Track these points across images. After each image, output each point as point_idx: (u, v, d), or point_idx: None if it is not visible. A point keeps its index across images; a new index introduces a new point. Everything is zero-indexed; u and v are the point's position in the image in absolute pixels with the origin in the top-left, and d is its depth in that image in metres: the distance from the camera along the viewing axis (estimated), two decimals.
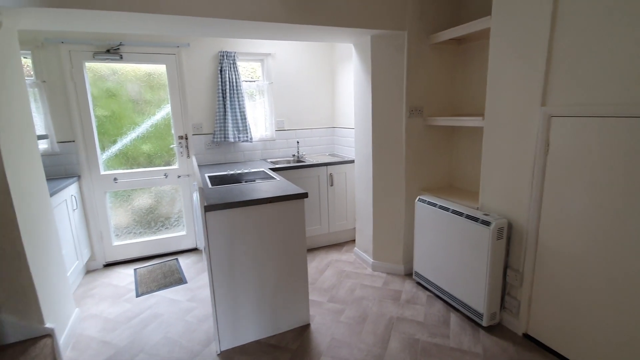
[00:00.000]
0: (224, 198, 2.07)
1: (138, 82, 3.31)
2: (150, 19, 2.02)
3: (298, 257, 2.24)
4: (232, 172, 3.09)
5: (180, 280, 3.01)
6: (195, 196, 3.19)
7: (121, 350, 2.15)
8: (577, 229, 1.81)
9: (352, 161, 3.58)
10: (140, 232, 3.51)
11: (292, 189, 2.29)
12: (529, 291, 2.09)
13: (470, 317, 2.35)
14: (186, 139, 3.52)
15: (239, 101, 3.53)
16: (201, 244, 3.57)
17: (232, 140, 3.54)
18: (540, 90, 1.90)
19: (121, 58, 3.15)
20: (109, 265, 3.38)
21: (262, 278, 2.16)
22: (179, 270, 3.20)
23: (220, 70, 3.43)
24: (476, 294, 2.23)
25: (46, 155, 3.02)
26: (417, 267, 2.78)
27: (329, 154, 4.10)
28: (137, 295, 2.79)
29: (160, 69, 3.35)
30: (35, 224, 1.98)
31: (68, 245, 2.77)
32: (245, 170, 3.15)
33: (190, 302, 2.67)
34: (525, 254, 2.09)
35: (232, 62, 3.46)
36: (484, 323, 2.20)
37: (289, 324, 2.30)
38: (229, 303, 2.09)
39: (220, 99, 3.46)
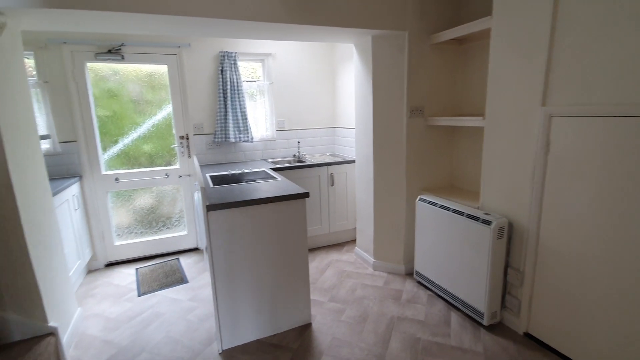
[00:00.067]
0: (226, 198, 2.08)
1: (139, 83, 3.32)
2: (152, 19, 2.03)
3: (299, 257, 2.25)
4: (233, 172, 3.10)
5: (182, 280, 3.02)
6: (197, 196, 3.20)
7: (123, 350, 2.16)
8: (577, 229, 1.82)
9: (353, 161, 3.59)
10: (141, 232, 3.52)
11: (294, 188, 2.30)
12: (529, 290, 2.10)
13: (471, 316, 2.36)
14: (187, 139, 3.53)
15: (239, 101, 3.54)
16: (202, 244, 3.58)
17: (233, 140, 3.55)
18: (541, 90, 1.91)
19: (123, 58, 3.16)
20: (111, 264, 3.39)
21: (263, 277, 2.17)
22: (180, 270, 3.21)
23: (221, 71, 3.44)
24: (477, 293, 2.24)
25: (48, 155, 3.03)
26: (418, 266, 2.79)
27: (330, 154, 4.11)
28: (139, 295, 2.80)
29: (161, 69, 3.36)
30: (39, 224, 1.99)
31: (70, 245, 2.78)
32: (246, 170, 3.16)
33: (192, 301, 2.68)
34: (526, 253, 2.10)
35: (232, 62, 3.47)
36: (485, 322, 2.21)
37: (290, 323, 2.31)
38: (230, 302, 2.10)
39: (221, 99, 3.47)
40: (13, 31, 1.92)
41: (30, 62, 2.93)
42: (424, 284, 2.76)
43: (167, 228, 3.62)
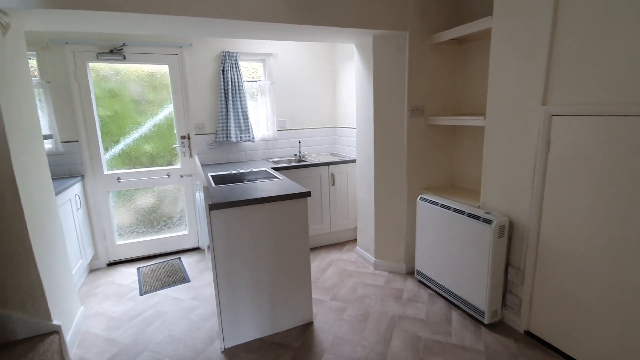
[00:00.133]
0: (228, 197, 2.09)
1: (141, 82, 3.34)
2: (154, 19, 2.04)
3: (301, 256, 2.26)
4: (234, 172, 3.11)
5: (183, 279, 3.03)
6: (199, 195, 3.21)
7: (126, 348, 2.17)
8: (578, 228, 1.83)
9: (354, 161, 3.60)
10: (143, 232, 3.53)
11: (295, 187, 2.31)
12: (530, 289, 2.11)
13: (471, 315, 2.37)
14: (189, 138, 3.54)
15: (241, 101, 3.55)
16: (203, 243, 3.59)
17: (234, 140, 3.56)
18: (541, 90, 1.92)
19: (124, 58, 3.17)
20: (112, 264, 3.40)
21: (265, 276, 2.18)
22: (181, 269, 3.22)
23: (223, 70, 3.46)
24: (478, 291, 2.25)
25: (50, 155, 3.04)
26: (419, 265, 2.80)
27: (331, 154, 4.12)
28: (141, 294, 2.81)
29: (162, 69, 3.37)
30: (42, 223, 2.00)
31: (72, 244, 2.79)
32: (248, 170, 3.17)
33: (194, 300, 2.69)
34: (527, 252, 2.11)
35: (234, 62, 3.48)
36: (486, 320, 2.22)
37: (292, 322, 2.32)
38: (232, 301, 2.11)
39: (223, 99, 3.49)
40: (17, 32, 1.93)
41: (32, 63, 2.95)
42: (425, 282, 2.78)
43: (169, 227, 3.63)
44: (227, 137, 3.54)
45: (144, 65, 3.31)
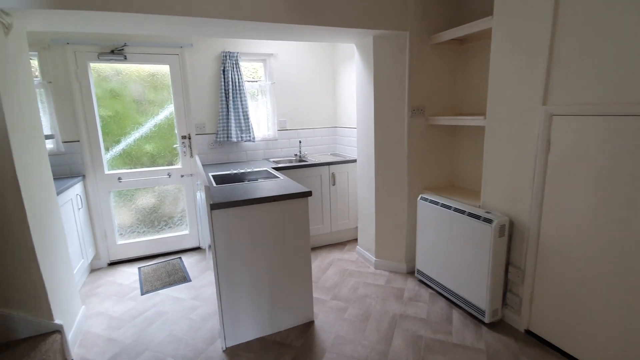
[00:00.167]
0: (229, 197, 2.09)
1: (141, 83, 3.34)
2: (155, 19, 2.05)
3: (302, 255, 2.26)
4: (235, 172, 3.12)
5: (184, 279, 3.03)
6: (199, 195, 3.22)
7: (127, 348, 2.17)
8: (578, 227, 1.83)
9: (354, 160, 3.60)
10: (143, 231, 3.54)
11: (296, 187, 2.31)
12: (530, 288, 2.12)
13: (472, 314, 2.38)
14: (189, 138, 3.55)
15: (241, 101, 3.55)
16: (204, 243, 3.60)
17: (234, 139, 3.56)
18: (542, 90, 1.93)
19: (125, 58, 3.18)
20: (113, 263, 3.41)
21: (267, 275, 2.18)
22: (182, 269, 3.23)
23: (223, 71, 3.46)
24: (478, 291, 2.25)
25: (52, 155, 3.05)
26: (420, 265, 2.80)
27: (331, 154, 4.13)
28: (142, 294, 2.81)
29: (163, 69, 3.38)
30: (44, 223, 2.01)
31: (73, 244, 2.80)
32: (248, 170, 3.18)
33: (194, 300, 2.70)
34: (527, 251, 2.12)
35: (234, 62, 3.49)
36: (486, 320, 2.23)
37: (293, 321, 2.33)
38: (233, 300, 2.12)
39: (223, 99, 3.49)
40: (19, 32, 1.94)
41: (34, 63, 2.95)
42: (426, 282, 2.78)
43: (169, 227, 3.63)
44: (227, 137, 3.55)
45: (145, 65, 3.32)
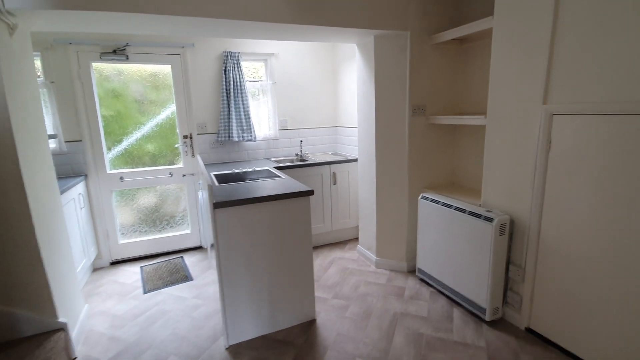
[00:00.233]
0: (231, 196, 2.11)
1: (143, 83, 3.35)
2: (157, 19, 2.06)
3: (304, 253, 2.28)
4: (237, 171, 3.13)
5: (186, 278, 3.05)
6: (201, 194, 3.23)
7: (130, 346, 2.19)
8: (578, 225, 1.85)
9: (355, 160, 3.62)
10: (145, 231, 3.55)
11: (298, 186, 2.33)
12: (530, 286, 2.13)
13: (473, 312, 2.39)
14: (191, 138, 3.56)
15: (242, 101, 3.57)
16: (206, 242, 3.61)
17: (236, 139, 3.58)
18: (542, 89, 1.94)
19: (127, 58, 3.19)
20: (116, 263, 3.42)
21: (269, 274, 2.20)
22: (184, 268, 3.24)
23: (225, 70, 3.48)
24: (479, 289, 2.27)
25: (54, 155, 3.06)
26: (420, 263, 2.82)
27: (332, 153, 4.14)
28: (144, 293, 2.83)
29: (165, 69, 3.39)
30: (48, 222, 2.02)
31: (76, 243, 2.81)
32: (250, 169, 3.19)
33: (196, 299, 2.71)
34: (527, 250, 2.13)
35: (236, 62, 3.50)
36: (487, 318, 2.24)
37: (295, 319, 2.34)
38: (236, 298, 2.13)
39: (225, 98, 3.50)
40: (23, 32, 1.95)
41: (37, 63, 2.96)
42: (427, 280, 2.79)
43: (171, 227, 3.65)
44: (229, 136, 3.56)
45: (146, 65, 3.33)
